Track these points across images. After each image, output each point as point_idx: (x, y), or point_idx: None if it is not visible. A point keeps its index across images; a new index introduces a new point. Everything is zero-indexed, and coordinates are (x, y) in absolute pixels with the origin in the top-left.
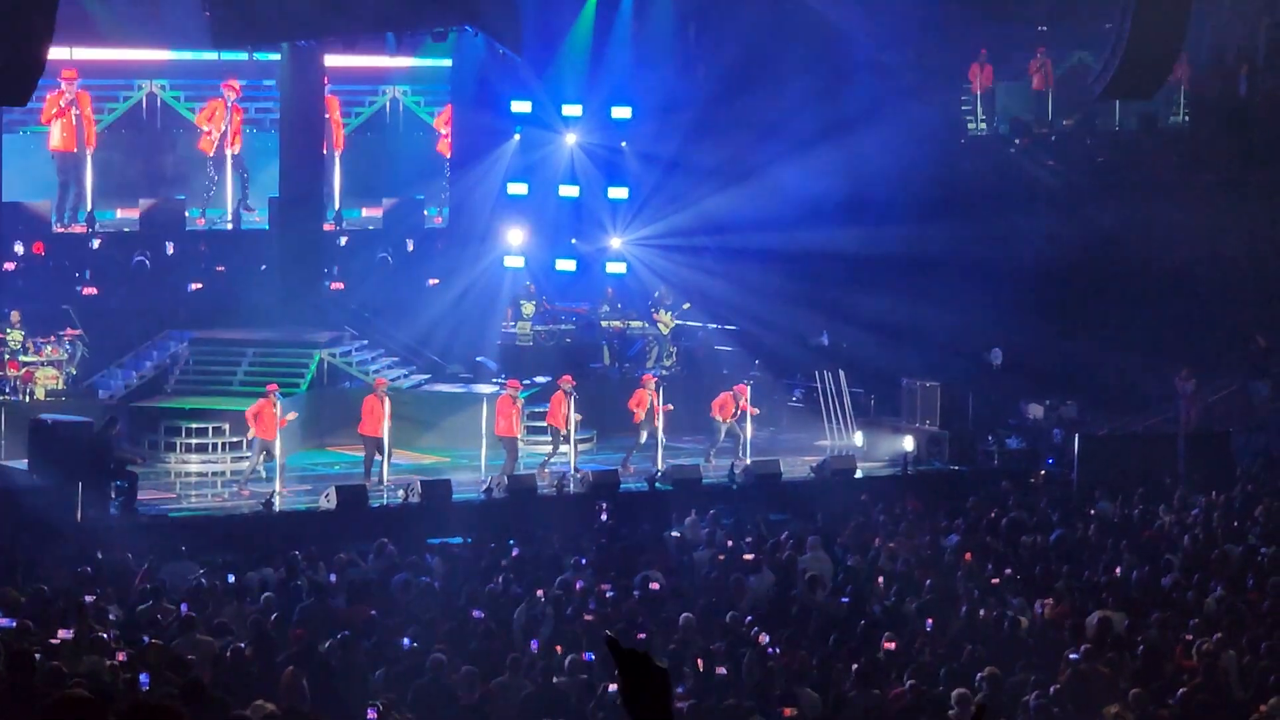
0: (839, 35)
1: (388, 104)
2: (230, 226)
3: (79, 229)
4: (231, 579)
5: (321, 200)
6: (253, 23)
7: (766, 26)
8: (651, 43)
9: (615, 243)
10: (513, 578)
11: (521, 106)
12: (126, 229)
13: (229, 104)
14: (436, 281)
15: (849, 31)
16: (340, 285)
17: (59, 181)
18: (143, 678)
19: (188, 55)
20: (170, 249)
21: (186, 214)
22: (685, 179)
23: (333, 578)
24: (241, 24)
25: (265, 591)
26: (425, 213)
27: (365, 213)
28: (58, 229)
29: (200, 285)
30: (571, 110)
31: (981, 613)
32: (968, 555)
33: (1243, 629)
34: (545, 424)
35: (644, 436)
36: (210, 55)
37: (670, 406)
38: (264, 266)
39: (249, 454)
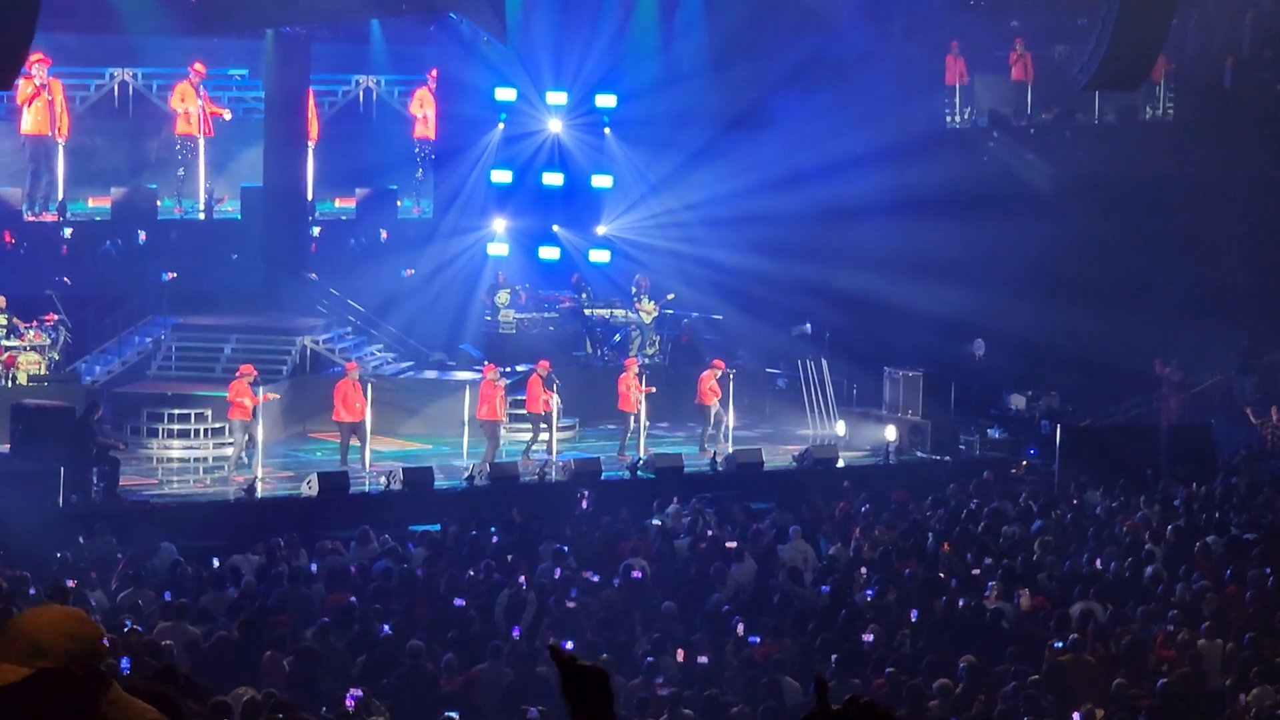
0: (824, 23)
1: (361, 94)
2: (203, 216)
3: (50, 218)
4: (215, 564)
5: (304, 188)
6: (237, 8)
7: (751, 14)
8: (637, 30)
9: (599, 230)
10: (494, 565)
11: (506, 94)
12: (98, 218)
13: (196, 86)
14: (412, 272)
15: (834, 20)
16: (315, 276)
17: (30, 169)
18: (123, 662)
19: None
20: (142, 237)
21: (159, 203)
22: (670, 167)
23: (314, 567)
24: (225, 9)
25: (246, 578)
26: (399, 203)
27: (338, 203)
28: (29, 218)
29: (175, 275)
30: (556, 98)
31: (960, 602)
32: (945, 545)
33: (1224, 620)
34: (525, 411)
35: (631, 423)
36: (183, 40)
37: (652, 389)
38: (235, 256)
39: (231, 439)
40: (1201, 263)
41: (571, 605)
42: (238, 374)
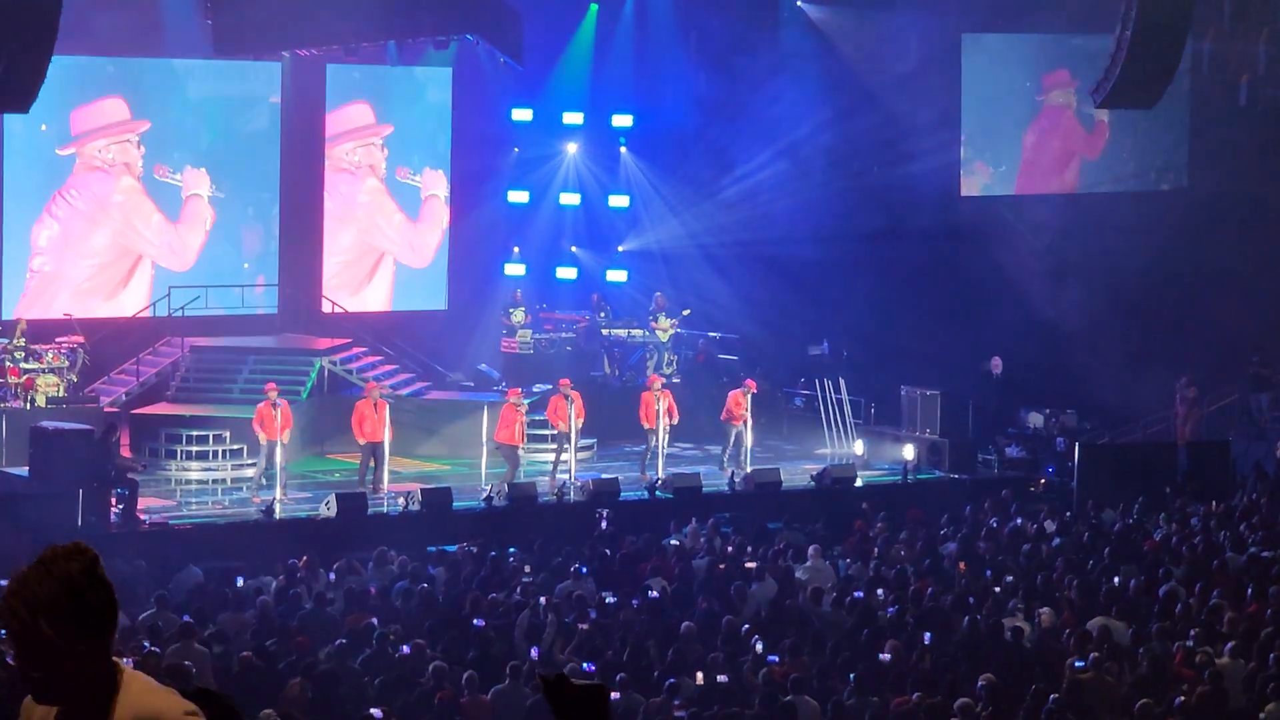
0: (838, 48)
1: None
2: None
3: None
4: (240, 583)
5: (320, 210)
6: (253, 31)
7: (767, 36)
8: (653, 51)
9: (619, 249)
10: (513, 585)
11: (522, 115)
12: None
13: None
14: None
15: (849, 45)
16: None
17: None
18: None
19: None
20: None
21: None
22: (686, 187)
23: (332, 576)
24: (242, 32)
25: (262, 598)
26: None
27: None
28: None
29: None
30: (572, 118)
31: (978, 618)
32: (962, 565)
33: (1245, 638)
34: (550, 431)
35: (653, 442)
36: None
37: (674, 417)
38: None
39: (254, 460)
40: (1222, 280)
41: (584, 626)
42: (265, 390)
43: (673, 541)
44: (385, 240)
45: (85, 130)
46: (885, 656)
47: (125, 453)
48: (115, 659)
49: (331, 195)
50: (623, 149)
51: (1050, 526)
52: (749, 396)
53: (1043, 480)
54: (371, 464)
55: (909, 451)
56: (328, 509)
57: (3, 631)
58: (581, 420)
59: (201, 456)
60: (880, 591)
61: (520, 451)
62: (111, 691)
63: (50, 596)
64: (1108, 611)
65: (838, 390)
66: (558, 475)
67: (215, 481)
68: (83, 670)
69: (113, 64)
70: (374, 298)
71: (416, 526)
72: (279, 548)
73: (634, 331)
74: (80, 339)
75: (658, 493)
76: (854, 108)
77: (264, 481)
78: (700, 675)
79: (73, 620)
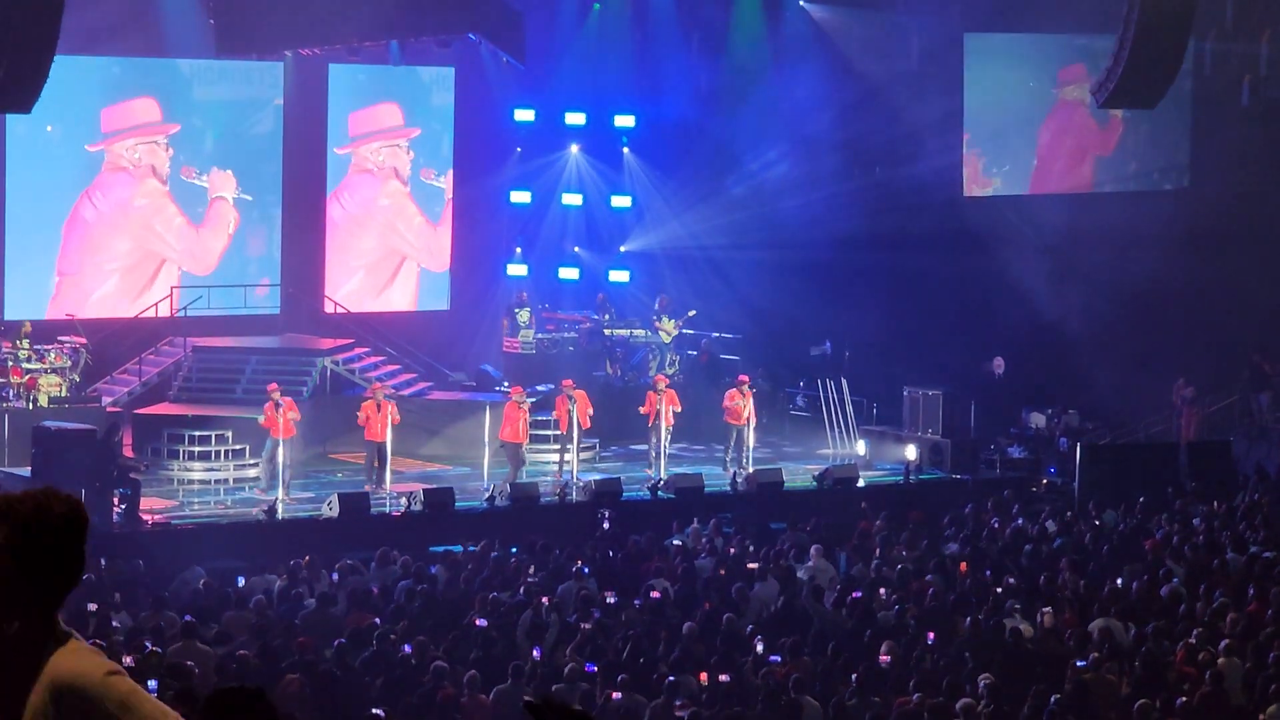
0: (841, 49)
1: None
2: None
3: None
4: (240, 583)
5: (324, 208)
6: (256, 31)
7: (770, 37)
8: (655, 51)
9: (619, 250)
10: (516, 585)
11: (524, 115)
12: None
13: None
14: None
15: (852, 45)
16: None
17: None
18: (151, 684)
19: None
20: None
21: None
22: (688, 187)
23: (335, 576)
24: (244, 32)
25: (256, 597)
26: None
27: None
28: None
29: None
30: (575, 118)
31: (980, 619)
32: (963, 566)
33: (1246, 638)
34: (553, 431)
35: (654, 439)
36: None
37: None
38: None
39: (256, 460)
40: (1220, 280)
41: (585, 626)
42: (268, 391)
43: (675, 542)
44: (404, 244)
45: (116, 129)
46: (885, 659)
47: (128, 453)
48: (71, 632)
49: (353, 196)
50: (625, 149)
51: (1052, 527)
52: (748, 395)
53: (1045, 481)
54: (375, 463)
55: (911, 452)
56: (330, 509)
57: None
58: (590, 410)
59: (204, 456)
60: (882, 592)
61: (523, 449)
62: (50, 651)
63: (24, 513)
64: (1109, 612)
65: (840, 390)
66: (560, 475)
67: (218, 481)
68: (18, 613)
69: (122, 64)
70: (397, 300)
71: (419, 526)
72: (282, 548)
73: (636, 332)
74: (82, 339)
75: (660, 493)
76: (857, 108)
77: (263, 482)
78: (705, 676)
79: (31, 545)
